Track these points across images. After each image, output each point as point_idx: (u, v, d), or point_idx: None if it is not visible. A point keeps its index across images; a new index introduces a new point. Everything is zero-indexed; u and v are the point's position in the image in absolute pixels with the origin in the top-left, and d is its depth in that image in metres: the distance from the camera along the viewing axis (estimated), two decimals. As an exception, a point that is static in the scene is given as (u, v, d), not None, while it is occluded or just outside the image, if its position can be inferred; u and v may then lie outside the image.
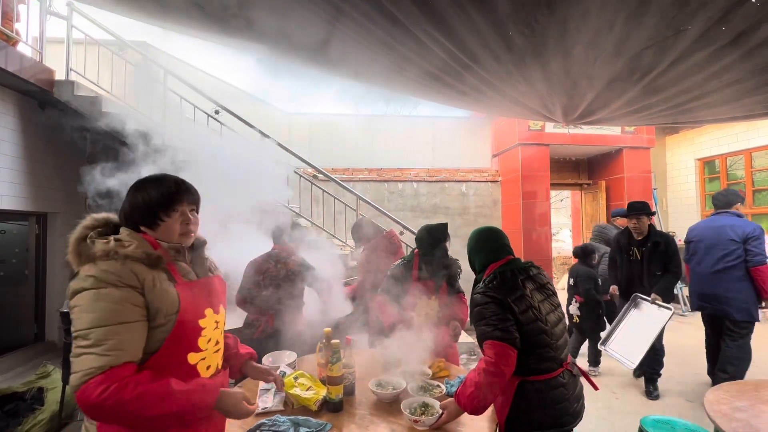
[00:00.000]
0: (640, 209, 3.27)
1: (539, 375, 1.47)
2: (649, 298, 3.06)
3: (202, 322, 1.10)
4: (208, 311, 1.13)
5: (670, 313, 2.76)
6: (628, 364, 2.59)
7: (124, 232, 1.05)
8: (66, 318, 2.51)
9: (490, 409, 1.54)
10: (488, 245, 1.65)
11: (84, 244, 1.00)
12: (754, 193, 6.18)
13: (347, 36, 1.87)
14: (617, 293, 3.54)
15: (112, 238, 1.02)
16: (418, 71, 2.22)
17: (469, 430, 1.44)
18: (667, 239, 3.22)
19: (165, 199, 1.08)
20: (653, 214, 3.27)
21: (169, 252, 1.09)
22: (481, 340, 1.46)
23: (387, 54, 2.03)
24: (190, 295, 1.08)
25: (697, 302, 3.26)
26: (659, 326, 2.70)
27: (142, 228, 1.08)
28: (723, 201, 3.23)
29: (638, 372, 3.44)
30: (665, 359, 3.25)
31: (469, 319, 1.58)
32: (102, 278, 0.94)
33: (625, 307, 3.18)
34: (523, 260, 1.65)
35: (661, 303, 2.95)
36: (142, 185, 1.10)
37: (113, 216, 1.12)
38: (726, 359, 3.04)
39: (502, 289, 1.48)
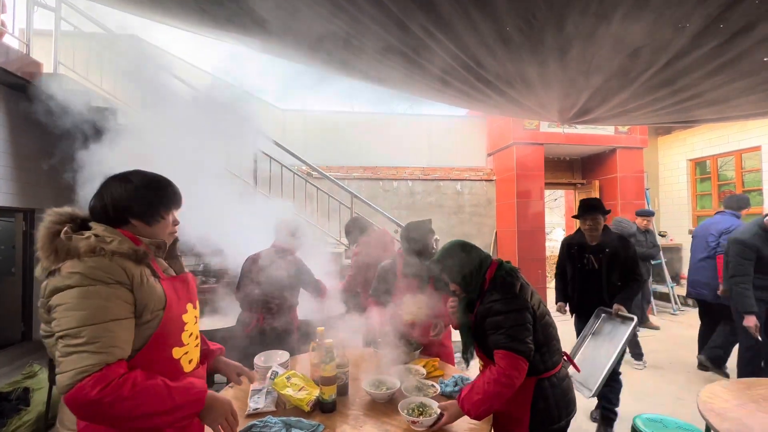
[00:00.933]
0: (596, 207, 2.71)
1: (552, 369, 1.51)
2: (611, 311, 2.60)
3: (185, 317, 1.12)
4: (189, 306, 1.15)
5: (633, 322, 2.42)
6: (585, 393, 2.20)
7: (98, 228, 1.00)
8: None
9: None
10: (476, 252, 1.60)
11: (59, 240, 0.96)
12: (744, 193, 6.25)
13: (346, 33, 1.84)
14: (565, 311, 2.95)
15: (92, 233, 0.98)
16: (419, 70, 2.19)
17: (464, 430, 1.42)
18: (626, 241, 2.72)
19: (170, 199, 1.13)
20: (609, 212, 2.75)
21: (150, 248, 1.08)
22: (492, 348, 1.43)
23: (385, 52, 2.00)
24: (173, 290, 1.09)
25: (689, 288, 3.71)
26: (621, 341, 2.33)
27: (133, 221, 1.06)
28: (731, 204, 3.59)
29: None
30: (661, 358, 3.27)
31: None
32: (90, 275, 0.92)
33: (587, 326, 2.66)
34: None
35: (624, 314, 2.52)
36: (147, 181, 1.10)
37: (78, 210, 1.07)
38: (711, 342, 3.48)
39: (520, 292, 1.47)
